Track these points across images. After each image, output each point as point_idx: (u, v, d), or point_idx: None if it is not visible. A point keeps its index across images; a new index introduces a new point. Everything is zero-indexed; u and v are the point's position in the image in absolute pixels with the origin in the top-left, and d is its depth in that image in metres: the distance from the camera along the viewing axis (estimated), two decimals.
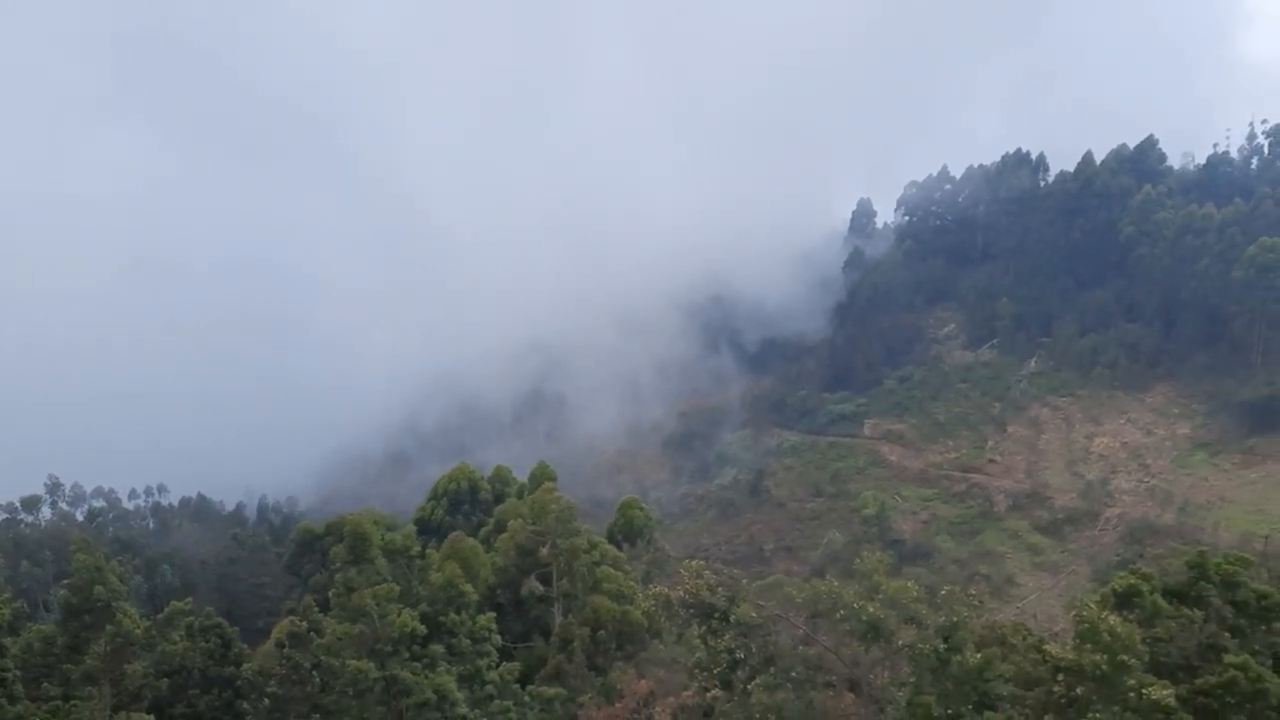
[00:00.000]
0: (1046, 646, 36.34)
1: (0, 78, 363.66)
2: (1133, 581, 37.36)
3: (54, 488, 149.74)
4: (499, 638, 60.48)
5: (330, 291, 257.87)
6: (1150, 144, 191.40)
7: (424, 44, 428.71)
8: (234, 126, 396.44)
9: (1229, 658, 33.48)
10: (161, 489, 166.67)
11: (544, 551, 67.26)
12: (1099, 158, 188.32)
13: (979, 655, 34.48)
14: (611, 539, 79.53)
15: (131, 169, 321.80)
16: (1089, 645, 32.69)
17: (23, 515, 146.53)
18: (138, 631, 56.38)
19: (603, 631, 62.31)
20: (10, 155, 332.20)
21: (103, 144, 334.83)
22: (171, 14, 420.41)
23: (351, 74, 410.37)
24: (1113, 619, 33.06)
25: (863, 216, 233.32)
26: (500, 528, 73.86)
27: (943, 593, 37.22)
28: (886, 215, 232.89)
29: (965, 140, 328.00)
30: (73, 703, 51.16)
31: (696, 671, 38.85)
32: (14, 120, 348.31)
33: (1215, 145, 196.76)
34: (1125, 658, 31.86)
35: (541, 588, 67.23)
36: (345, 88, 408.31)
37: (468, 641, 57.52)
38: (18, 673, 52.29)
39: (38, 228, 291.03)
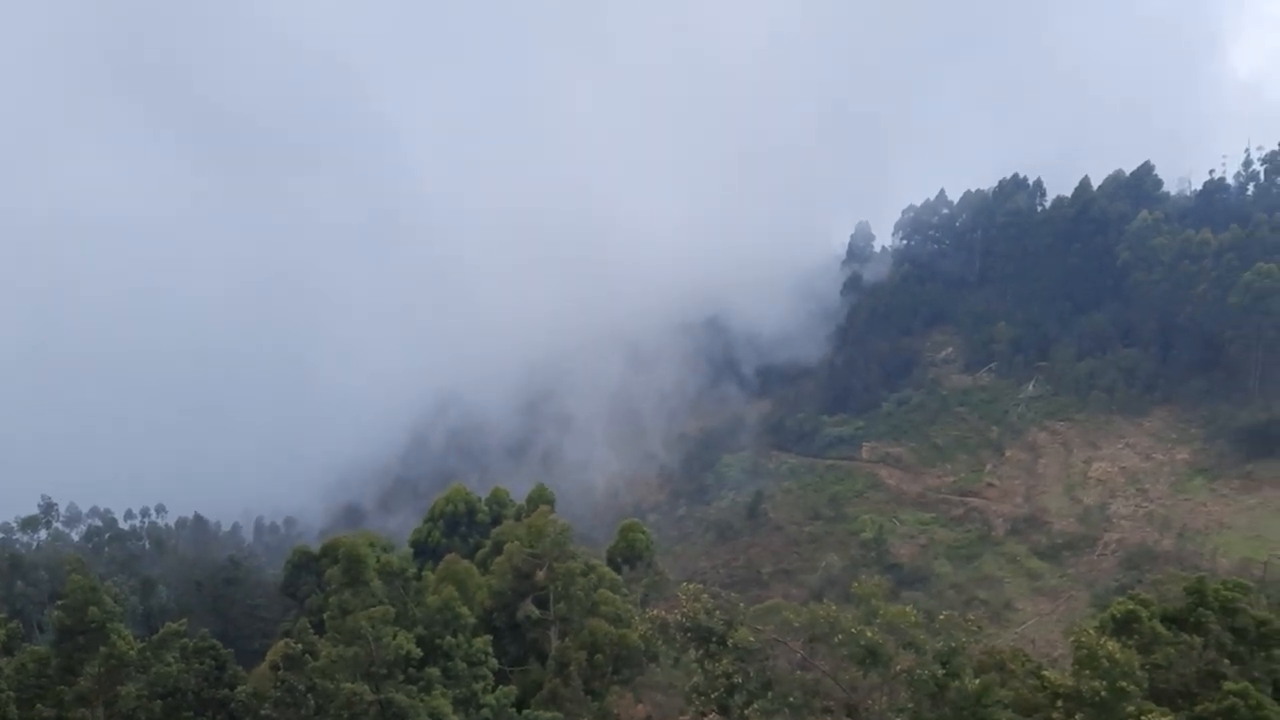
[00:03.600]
0: (1045, 672, 36.28)
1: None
2: (1131, 607, 37.37)
3: (48, 508, 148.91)
4: (495, 661, 60.28)
5: (331, 315, 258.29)
6: (1146, 170, 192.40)
7: (429, 65, 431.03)
8: (237, 144, 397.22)
9: (1228, 684, 33.41)
10: (159, 509, 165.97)
11: (540, 574, 67.10)
12: (1095, 182, 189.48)
13: (977, 681, 34.40)
14: (612, 562, 79.33)
15: (125, 189, 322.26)
16: (1088, 671, 32.64)
17: (19, 535, 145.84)
18: (131, 653, 56.08)
19: (600, 655, 62.06)
20: (9, 173, 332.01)
21: (97, 161, 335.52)
22: (165, 30, 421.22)
23: (357, 95, 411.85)
24: (1112, 645, 33.04)
25: (861, 240, 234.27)
26: (497, 550, 73.68)
27: (941, 618, 37.16)
28: (884, 239, 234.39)
29: (960, 164, 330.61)
30: None
31: (694, 696, 38.67)
32: (7, 136, 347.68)
33: (1211, 171, 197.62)
34: (1124, 684, 31.80)
35: (538, 611, 66.96)
36: (350, 107, 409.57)
37: (464, 665, 57.32)
38: (11, 694, 52.00)
39: (37, 246, 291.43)
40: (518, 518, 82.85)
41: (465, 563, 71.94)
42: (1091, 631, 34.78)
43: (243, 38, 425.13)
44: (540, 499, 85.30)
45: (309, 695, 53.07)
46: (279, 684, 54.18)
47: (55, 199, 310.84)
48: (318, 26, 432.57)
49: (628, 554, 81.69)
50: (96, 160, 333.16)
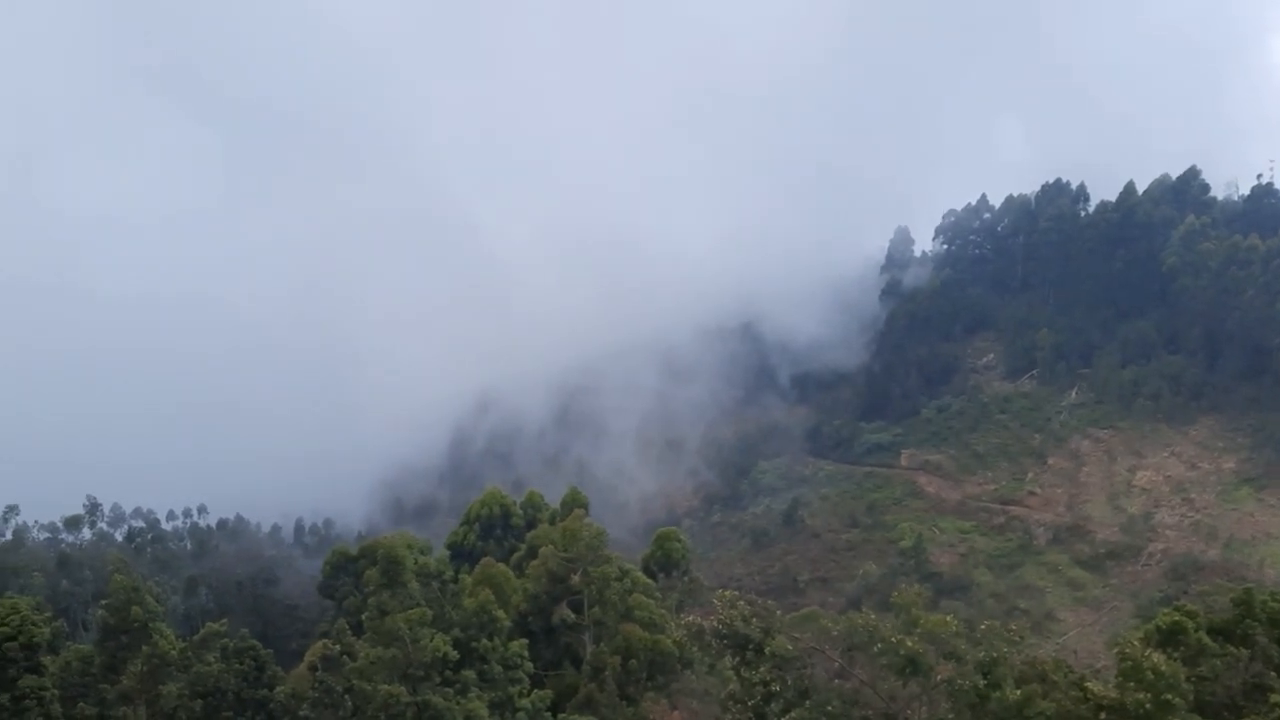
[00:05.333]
0: (1088, 684, 35.55)
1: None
2: (1177, 618, 36.62)
3: (93, 508, 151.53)
4: (530, 665, 60.35)
5: (370, 318, 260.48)
6: (1193, 174, 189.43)
7: (472, 70, 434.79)
8: (277, 145, 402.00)
9: (1275, 697, 32.60)
10: (201, 510, 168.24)
11: (575, 578, 67.15)
12: (1140, 187, 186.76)
13: (1019, 692, 33.83)
14: (647, 569, 79.18)
15: (165, 189, 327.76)
16: (1132, 683, 31.97)
17: (64, 535, 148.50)
18: (173, 652, 56.89)
19: (634, 660, 61.94)
20: (49, 174, 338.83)
21: (136, 161, 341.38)
22: (206, 30, 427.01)
23: (399, 98, 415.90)
24: (1156, 657, 32.34)
25: (900, 244, 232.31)
26: (532, 554, 73.85)
27: (982, 627, 36.58)
28: (924, 244, 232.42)
29: (1000, 168, 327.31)
30: None
31: (729, 703, 38.32)
32: (49, 136, 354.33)
33: (1259, 176, 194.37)
34: (1169, 697, 31.12)
35: (573, 615, 67.02)
36: (392, 109, 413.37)
37: (499, 668, 57.48)
38: (56, 692, 52.86)
39: (81, 247, 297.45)
40: (552, 521, 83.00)
41: (501, 566, 72.20)
42: (1136, 643, 34.06)
43: (282, 38, 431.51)
44: (574, 503, 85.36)
45: (346, 696, 53.49)
46: (317, 685, 54.70)
47: (95, 199, 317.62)
48: (358, 28, 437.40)
49: (664, 563, 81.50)
50: (135, 160, 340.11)
